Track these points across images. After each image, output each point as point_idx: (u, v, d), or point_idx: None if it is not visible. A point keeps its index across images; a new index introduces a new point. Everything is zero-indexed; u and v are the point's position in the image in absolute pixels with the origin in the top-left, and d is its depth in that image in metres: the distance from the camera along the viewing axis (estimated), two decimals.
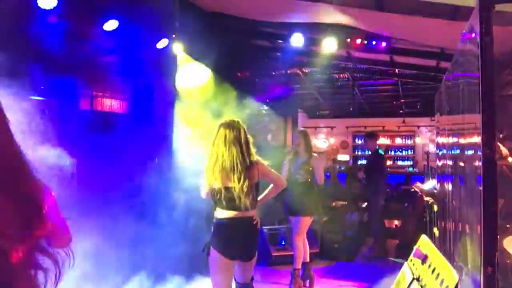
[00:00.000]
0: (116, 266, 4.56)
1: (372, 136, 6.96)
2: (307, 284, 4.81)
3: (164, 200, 6.18)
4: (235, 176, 2.90)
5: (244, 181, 2.89)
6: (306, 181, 4.76)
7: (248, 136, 3.04)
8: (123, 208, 6.06)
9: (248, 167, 2.94)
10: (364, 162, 13.96)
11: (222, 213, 2.97)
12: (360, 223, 7.43)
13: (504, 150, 3.36)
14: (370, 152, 7.11)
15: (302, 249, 4.72)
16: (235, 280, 3.05)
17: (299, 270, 4.68)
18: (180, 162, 7.00)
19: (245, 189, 2.89)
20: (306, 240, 4.89)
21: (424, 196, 6.42)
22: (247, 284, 3.06)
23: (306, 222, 4.74)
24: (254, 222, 2.99)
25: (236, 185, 2.89)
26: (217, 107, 6.68)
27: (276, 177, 3.22)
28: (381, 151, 6.84)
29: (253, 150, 3.04)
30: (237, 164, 2.90)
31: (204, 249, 2.99)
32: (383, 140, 13.98)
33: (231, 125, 3.00)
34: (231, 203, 2.93)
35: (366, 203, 8.06)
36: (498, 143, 3.11)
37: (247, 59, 7.24)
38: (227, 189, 2.92)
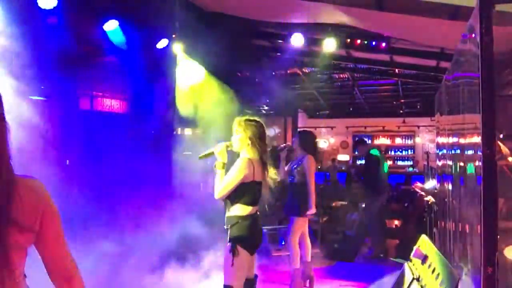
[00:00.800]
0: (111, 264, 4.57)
1: (360, 143, 7.22)
2: (307, 284, 4.80)
3: (165, 198, 6.17)
4: (266, 171, 3.01)
5: (267, 175, 3.03)
6: (298, 182, 4.74)
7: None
8: (122, 206, 6.05)
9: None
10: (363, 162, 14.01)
11: (246, 210, 2.96)
12: (360, 223, 7.43)
13: (505, 150, 3.35)
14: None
15: (298, 249, 4.69)
16: None
17: (298, 270, 4.67)
18: (181, 161, 6.98)
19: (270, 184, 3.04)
20: (308, 240, 4.88)
21: (424, 196, 6.43)
22: (252, 280, 3.09)
23: (299, 222, 4.70)
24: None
25: (267, 179, 3.02)
26: (217, 106, 6.68)
27: None
28: (374, 153, 6.75)
29: None
30: (266, 159, 3.03)
31: (235, 251, 2.89)
32: (383, 140, 13.99)
33: (259, 123, 3.09)
34: (256, 198, 3.01)
35: (364, 204, 8.06)
36: (500, 143, 3.10)
37: (247, 59, 7.24)
38: (259, 183, 2.99)
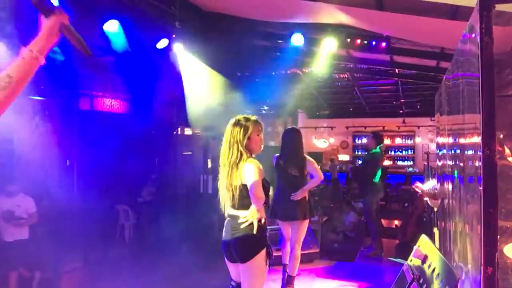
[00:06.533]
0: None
1: (375, 136, 6.80)
2: None
3: (164, 198, 6.17)
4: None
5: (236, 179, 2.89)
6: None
7: (240, 135, 2.89)
8: (122, 205, 6.05)
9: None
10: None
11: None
12: (359, 223, 7.43)
13: (506, 150, 3.35)
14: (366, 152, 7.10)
15: (291, 257, 4.41)
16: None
17: (293, 278, 4.43)
18: (181, 161, 6.97)
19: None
20: (295, 253, 4.40)
21: (424, 196, 6.41)
22: (237, 286, 3.10)
23: (303, 226, 4.42)
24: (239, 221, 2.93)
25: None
26: (217, 106, 6.68)
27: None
28: (376, 151, 6.55)
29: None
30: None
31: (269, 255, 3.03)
32: None
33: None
34: (233, 201, 2.98)
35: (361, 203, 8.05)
36: (504, 144, 3.10)
37: (247, 59, 7.25)
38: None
